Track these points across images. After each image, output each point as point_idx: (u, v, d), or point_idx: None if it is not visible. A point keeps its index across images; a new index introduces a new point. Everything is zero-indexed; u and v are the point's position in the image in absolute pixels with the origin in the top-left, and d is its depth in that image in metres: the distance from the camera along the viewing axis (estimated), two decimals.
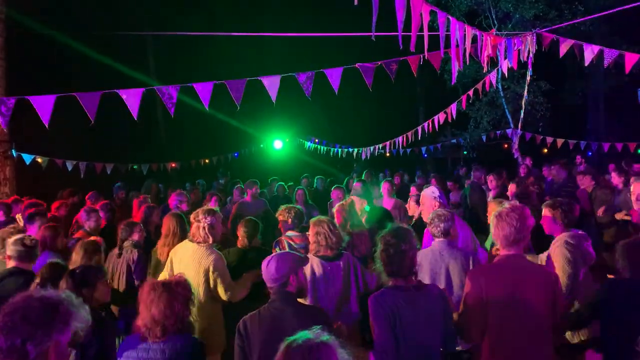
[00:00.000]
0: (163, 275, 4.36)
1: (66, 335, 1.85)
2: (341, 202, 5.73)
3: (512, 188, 6.62)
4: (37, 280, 3.52)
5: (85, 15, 15.16)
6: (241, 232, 4.95)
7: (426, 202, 5.00)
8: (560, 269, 3.72)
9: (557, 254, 3.80)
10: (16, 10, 9.40)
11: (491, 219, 3.15)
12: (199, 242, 4.24)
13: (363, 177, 9.50)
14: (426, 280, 3.72)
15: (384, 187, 7.57)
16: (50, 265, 3.68)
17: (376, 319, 2.88)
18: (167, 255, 4.59)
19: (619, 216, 6.47)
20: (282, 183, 10.48)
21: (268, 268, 2.94)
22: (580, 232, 3.98)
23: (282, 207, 5.08)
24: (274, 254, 3.11)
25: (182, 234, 4.89)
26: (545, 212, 4.08)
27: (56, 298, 1.88)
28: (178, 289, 2.86)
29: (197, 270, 4.10)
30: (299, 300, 3.06)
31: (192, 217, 4.36)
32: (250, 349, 2.82)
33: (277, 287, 2.92)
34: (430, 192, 5.01)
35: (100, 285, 3.36)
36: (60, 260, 3.98)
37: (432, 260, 3.85)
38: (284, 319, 2.79)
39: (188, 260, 4.19)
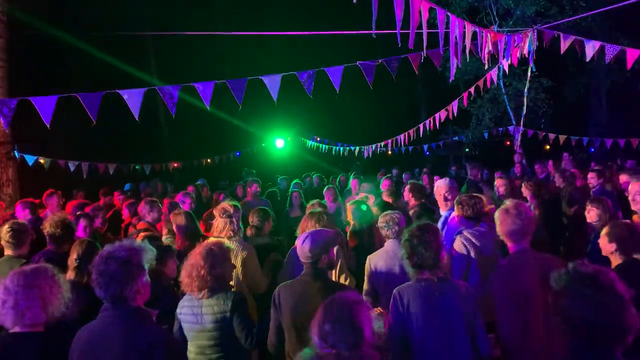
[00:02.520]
0: None
1: (145, 272, 2.51)
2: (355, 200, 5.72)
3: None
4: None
5: (87, 14, 15.16)
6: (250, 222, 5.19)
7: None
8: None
9: (455, 246, 4.15)
10: (17, 10, 9.41)
11: (496, 216, 3.25)
12: (229, 237, 4.37)
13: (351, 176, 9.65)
14: (382, 278, 4.03)
15: (352, 183, 7.80)
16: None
17: (391, 311, 3.03)
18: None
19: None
20: (298, 181, 10.40)
21: (302, 247, 3.18)
22: (481, 228, 4.30)
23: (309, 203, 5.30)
24: (309, 231, 3.36)
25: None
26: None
27: (126, 253, 2.45)
28: (218, 250, 3.30)
29: (236, 264, 4.17)
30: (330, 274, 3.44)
31: (218, 212, 4.47)
32: (281, 315, 3.18)
33: (309, 264, 3.19)
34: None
35: (170, 262, 3.88)
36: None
37: (387, 259, 4.06)
38: (312, 291, 3.06)
39: None
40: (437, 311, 2.91)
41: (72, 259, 3.86)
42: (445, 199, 5.07)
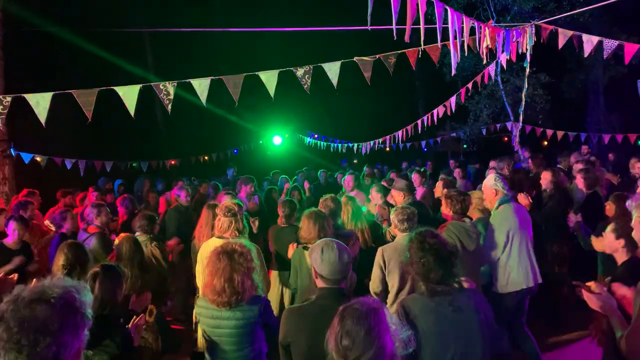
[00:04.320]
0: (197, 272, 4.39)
1: (88, 324, 1.66)
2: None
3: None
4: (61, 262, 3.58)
5: (84, 11, 15.09)
6: (280, 212, 5.45)
7: (486, 191, 5.07)
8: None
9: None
10: (13, 6, 9.36)
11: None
12: (235, 237, 4.18)
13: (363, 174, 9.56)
14: (396, 273, 3.97)
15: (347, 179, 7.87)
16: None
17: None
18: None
19: None
20: (286, 176, 10.57)
21: (342, 258, 2.63)
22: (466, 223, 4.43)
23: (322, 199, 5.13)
24: (332, 240, 2.78)
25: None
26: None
27: (63, 292, 1.60)
28: (240, 259, 2.98)
29: None
30: None
31: (221, 211, 4.29)
32: (293, 345, 2.65)
33: (338, 282, 2.66)
34: (488, 181, 5.06)
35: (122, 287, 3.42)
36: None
37: (400, 254, 3.92)
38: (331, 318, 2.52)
39: None
40: (451, 330, 2.57)
41: (59, 266, 3.58)
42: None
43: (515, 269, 4.67)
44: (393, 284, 4.00)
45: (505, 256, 4.72)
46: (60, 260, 3.59)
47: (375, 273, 4.10)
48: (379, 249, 4.17)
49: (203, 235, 5.00)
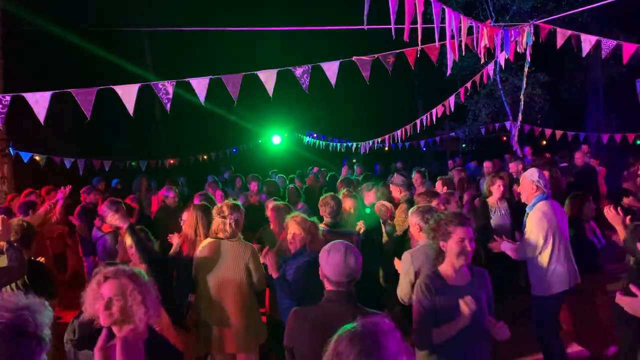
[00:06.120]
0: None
1: (46, 348, 1.54)
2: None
3: None
4: None
5: (83, 10, 15.07)
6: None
7: (525, 184, 4.80)
8: None
9: None
10: (11, 5, 9.35)
11: None
12: (228, 238, 4.13)
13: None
14: None
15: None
16: None
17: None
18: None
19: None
20: (283, 175, 10.56)
21: (347, 261, 2.53)
22: None
23: (322, 197, 4.98)
24: (341, 242, 2.66)
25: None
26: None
27: (13, 317, 1.46)
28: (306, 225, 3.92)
29: (238, 266, 4.05)
30: None
31: (216, 212, 4.24)
32: (296, 348, 2.55)
33: (344, 286, 2.56)
34: (530, 175, 4.80)
35: None
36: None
37: (430, 261, 3.62)
38: (338, 324, 2.08)
39: (225, 258, 4.09)
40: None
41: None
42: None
43: (559, 269, 4.47)
44: None
45: (547, 256, 4.48)
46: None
47: (405, 281, 3.76)
48: (406, 255, 3.82)
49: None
